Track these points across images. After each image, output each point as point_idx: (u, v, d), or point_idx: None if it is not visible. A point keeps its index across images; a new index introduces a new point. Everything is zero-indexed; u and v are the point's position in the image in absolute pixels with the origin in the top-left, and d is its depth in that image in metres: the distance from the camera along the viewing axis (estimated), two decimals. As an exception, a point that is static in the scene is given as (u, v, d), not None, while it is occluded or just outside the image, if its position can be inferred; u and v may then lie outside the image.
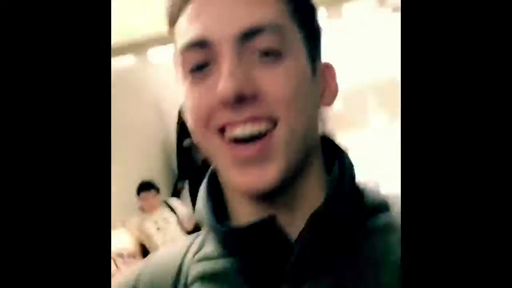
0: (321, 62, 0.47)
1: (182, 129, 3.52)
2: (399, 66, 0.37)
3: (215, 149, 0.43)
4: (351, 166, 0.46)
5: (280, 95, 0.41)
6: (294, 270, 0.42)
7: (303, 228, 0.42)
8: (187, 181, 3.89)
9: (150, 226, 3.17)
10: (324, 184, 0.47)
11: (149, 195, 3.32)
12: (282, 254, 0.42)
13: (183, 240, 0.52)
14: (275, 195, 0.43)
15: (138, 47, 3.14)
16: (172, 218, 3.33)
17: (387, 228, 0.45)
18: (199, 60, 0.42)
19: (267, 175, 0.41)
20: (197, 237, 0.51)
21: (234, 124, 0.41)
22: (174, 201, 3.57)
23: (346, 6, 3.27)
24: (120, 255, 1.32)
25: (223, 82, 0.39)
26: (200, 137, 0.44)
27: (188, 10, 0.43)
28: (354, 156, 0.48)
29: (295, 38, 0.43)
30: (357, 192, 0.46)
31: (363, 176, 0.49)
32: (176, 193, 3.95)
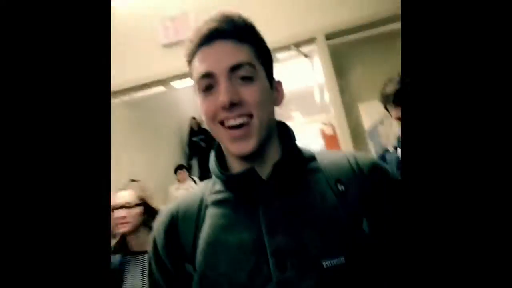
0: (274, 80, 0.74)
1: (192, 131, 6.05)
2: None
3: (219, 133, 0.68)
4: (293, 135, 0.73)
5: (254, 102, 0.66)
6: (266, 195, 0.67)
7: (271, 172, 0.68)
8: (196, 159, 5.64)
9: (180, 192, 4.82)
10: (279, 148, 0.73)
11: (182, 172, 5.02)
12: (259, 188, 0.68)
13: (201, 185, 0.79)
14: (253, 156, 0.68)
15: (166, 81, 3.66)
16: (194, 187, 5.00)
17: (317, 170, 0.71)
18: (207, 84, 0.67)
19: (249, 145, 0.66)
20: (209, 182, 0.77)
21: (229, 118, 0.66)
22: (195, 178, 5.24)
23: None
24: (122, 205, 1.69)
25: (222, 96, 0.64)
26: (211, 127, 0.69)
27: (198, 55, 0.68)
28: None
29: (260, 69, 0.69)
30: (298, 150, 0.73)
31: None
32: (189, 166, 5.80)
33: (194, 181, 5.19)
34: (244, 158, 0.69)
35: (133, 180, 2.75)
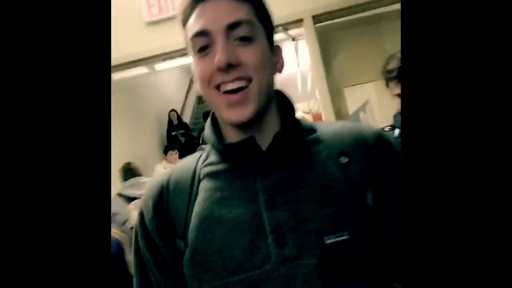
0: (274, 44, 0.69)
1: (171, 124, 6.10)
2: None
3: (214, 99, 0.64)
4: (293, 106, 0.70)
5: (254, 64, 0.62)
6: (265, 166, 0.64)
7: (271, 142, 0.64)
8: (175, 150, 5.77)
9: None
10: (278, 118, 0.69)
11: (173, 153, 4.99)
12: (257, 159, 0.65)
13: (193, 157, 0.74)
14: (251, 125, 0.64)
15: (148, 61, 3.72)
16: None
17: (318, 141, 0.68)
18: (202, 43, 0.63)
19: (246, 111, 0.62)
20: (202, 152, 0.73)
21: (226, 82, 0.62)
22: None
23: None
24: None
25: (218, 55, 0.60)
26: (205, 93, 0.65)
27: (193, 14, 0.64)
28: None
29: (260, 30, 0.65)
30: (297, 121, 0.69)
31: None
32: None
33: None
34: (241, 127, 0.65)
35: (127, 163, 2.81)
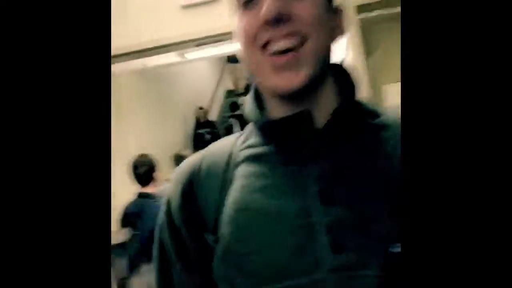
0: (334, 4, 0.57)
1: (198, 123, 5.88)
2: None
3: (258, 62, 0.53)
4: (354, 82, 0.57)
5: (309, 18, 0.51)
6: (321, 150, 0.53)
7: (328, 120, 0.53)
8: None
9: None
10: (335, 95, 0.57)
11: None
12: (310, 140, 0.53)
13: (230, 139, 0.63)
14: (303, 96, 0.53)
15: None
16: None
17: (385, 127, 0.56)
18: None
19: (298, 77, 0.51)
20: (240, 135, 0.62)
21: (274, 40, 0.51)
22: None
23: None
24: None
25: (266, 5, 0.49)
26: (247, 54, 0.54)
27: None
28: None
29: None
30: (360, 101, 0.57)
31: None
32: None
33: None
34: (291, 98, 0.54)
35: (142, 155, 2.70)
